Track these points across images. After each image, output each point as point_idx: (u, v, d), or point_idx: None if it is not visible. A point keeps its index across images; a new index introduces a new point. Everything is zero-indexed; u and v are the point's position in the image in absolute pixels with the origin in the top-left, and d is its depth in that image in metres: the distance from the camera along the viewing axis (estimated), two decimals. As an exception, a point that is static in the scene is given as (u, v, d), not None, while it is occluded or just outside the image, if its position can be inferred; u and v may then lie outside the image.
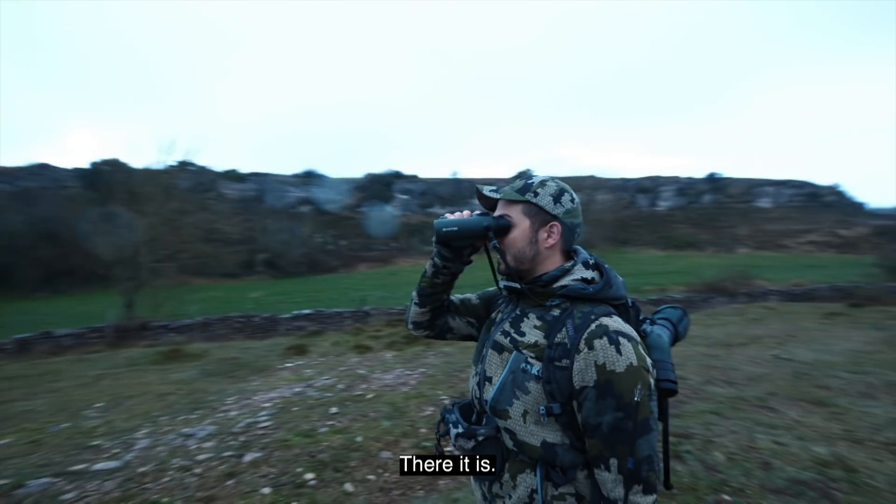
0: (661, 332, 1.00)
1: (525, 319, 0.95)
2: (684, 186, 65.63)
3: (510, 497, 0.90)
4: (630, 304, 0.97)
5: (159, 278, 15.38)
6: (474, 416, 1.00)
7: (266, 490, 2.59)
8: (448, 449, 1.05)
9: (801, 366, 5.93)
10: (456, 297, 1.19)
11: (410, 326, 1.18)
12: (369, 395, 5.13)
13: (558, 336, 0.86)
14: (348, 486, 2.82)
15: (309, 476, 2.84)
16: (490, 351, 0.98)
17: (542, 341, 0.88)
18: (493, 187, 1.01)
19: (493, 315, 1.09)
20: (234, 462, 2.94)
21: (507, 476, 0.90)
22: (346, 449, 3.36)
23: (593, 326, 0.84)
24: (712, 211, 60.32)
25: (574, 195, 0.97)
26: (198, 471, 2.76)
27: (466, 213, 1.02)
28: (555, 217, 0.94)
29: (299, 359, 8.23)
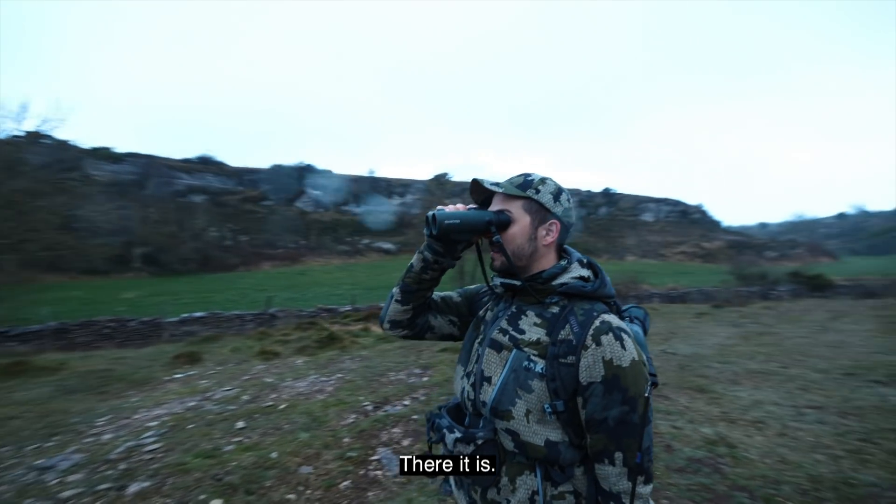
0: (638, 330, 1.02)
1: (523, 317, 0.92)
2: (584, 199, 72.29)
3: (509, 501, 0.86)
4: (615, 303, 0.97)
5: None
6: (467, 419, 0.94)
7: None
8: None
9: (684, 359, 6.77)
10: (437, 294, 1.12)
11: (387, 326, 1.08)
12: (282, 406, 4.69)
13: (562, 333, 0.85)
14: (264, 510, 2.49)
15: (215, 503, 2.45)
16: (487, 350, 0.93)
17: (545, 338, 0.86)
18: (494, 180, 0.96)
19: (482, 313, 1.05)
20: (115, 496, 2.43)
21: (505, 479, 0.86)
22: (259, 467, 3.00)
23: (598, 323, 0.83)
24: (607, 222, 67.32)
25: (570, 195, 0.97)
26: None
27: (461, 206, 0.97)
28: (554, 215, 0.93)
29: (191, 368, 7.28)
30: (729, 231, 75.63)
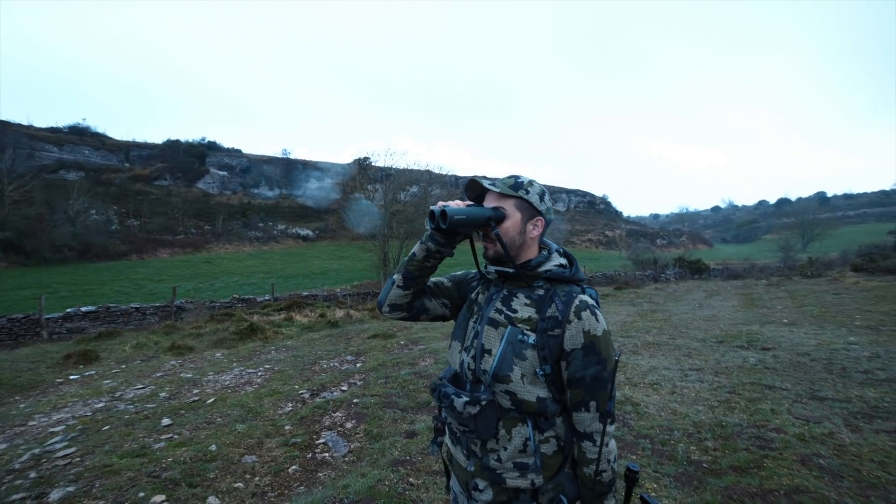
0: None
1: (515, 298, 1.09)
2: (500, 188, 75.54)
3: (505, 449, 1.04)
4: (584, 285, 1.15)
5: None
6: (468, 387, 1.09)
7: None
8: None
9: (591, 334, 7.60)
10: (430, 280, 1.24)
11: (386, 309, 1.20)
12: (210, 400, 4.46)
13: (549, 311, 1.03)
14: (213, 500, 2.44)
15: (158, 499, 2.34)
16: (486, 327, 1.09)
17: (535, 316, 1.04)
18: (490, 181, 1.12)
19: (474, 296, 1.21)
20: (36, 504, 2.20)
21: (502, 431, 1.04)
22: (199, 461, 2.88)
23: (577, 302, 1.02)
24: (521, 211, 70.80)
25: (549, 196, 1.15)
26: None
27: (459, 202, 1.10)
28: (540, 213, 1.09)
29: (88, 368, 6.51)
30: (628, 221, 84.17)
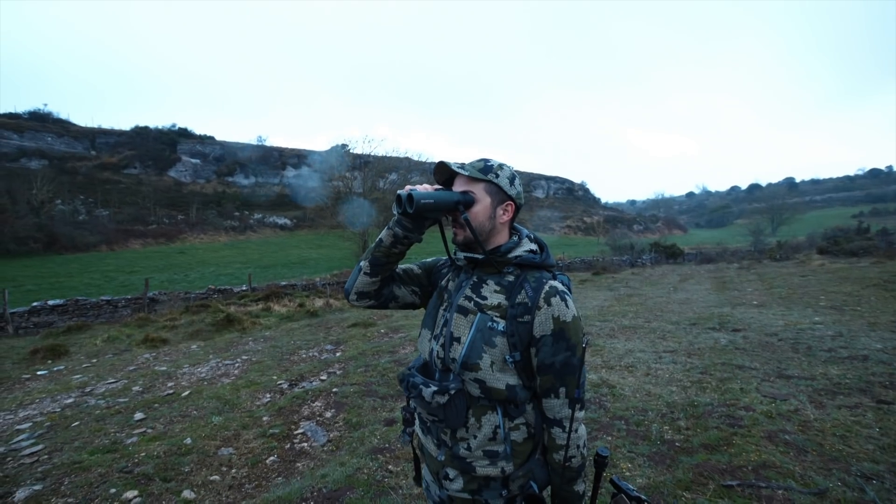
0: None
1: (484, 285, 1.06)
2: (483, 174, 75.42)
3: (475, 437, 1.02)
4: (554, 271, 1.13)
5: None
6: (437, 375, 1.08)
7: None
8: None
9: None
10: (399, 267, 1.22)
11: (353, 297, 1.17)
12: (185, 393, 4.37)
13: (519, 297, 1.01)
14: (188, 493, 2.40)
15: (130, 494, 2.29)
16: (455, 315, 1.06)
17: (504, 302, 1.02)
18: (459, 163, 1.08)
19: (444, 283, 1.17)
20: (0, 504, 2.12)
21: (472, 420, 1.02)
22: (174, 454, 2.83)
23: (547, 288, 1.00)
24: (501, 197, 70.95)
25: (520, 180, 1.10)
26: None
27: (427, 186, 1.06)
28: (510, 197, 1.06)
29: (56, 363, 6.29)
30: (606, 207, 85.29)
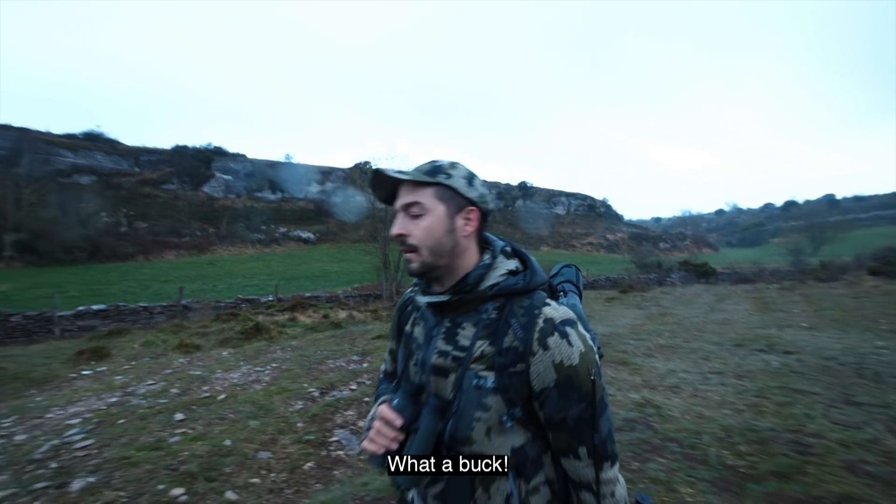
0: (574, 301, 0.99)
1: (460, 330, 0.83)
2: (502, 191, 74.94)
3: None
4: (547, 284, 0.91)
5: None
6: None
7: (120, 519, 2.00)
8: None
9: (603, 337, 7.50)
10: (389, 364, 1.05)
11: None
12: (220, 397, 4.42)
13: (506, 340, 0.79)
14: (231, 495, 2.39)
15: (177, 492, 2.30)
16: (432, 378, 0.84)
17: (489, 349, 0.79)
18: (398, 169, 0.86)
19: (409, 328, 0.94)
20: (56, 494, 2.18)
21: (480, 491, 0.80)
22: (215, 455, 2.84)
23: (541, 323, 0.78)
24: (523, 214, 70.63)
25: (483, 181, 0.89)
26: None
27: (386, 415, 0.82)
28: (471, 201, 0.83)
29: (100, 364, 6.51)
30: (629, 224, 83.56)
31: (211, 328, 10.11)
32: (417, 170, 0.85)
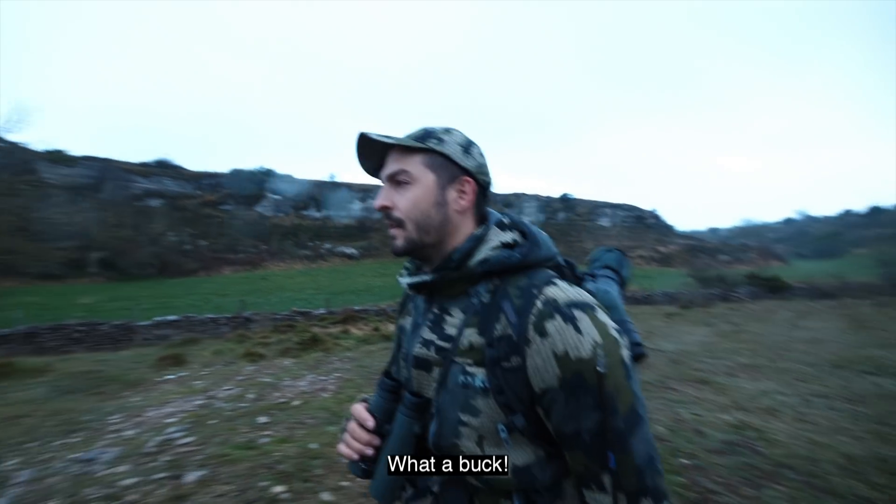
0: (607, 287, 0.80)
1: (447, 317, 0.70)
2: (543, 204, 73.75)
3: None
4: (564, 263, 0.76)
5: None
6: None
7: (236, 510, 2.07)
8: None
9: (672, 354, 7.08)
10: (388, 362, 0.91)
11: None
12: (295, 403, 4.55)
13: (497, 328, 0.64)
14: (326, 496, 2.42)
15: (279, 489, 2.36)
16: (414, 371, 0.72)
17: (478, 340, 0.65)
18: (384, 134, 0.72)
19: (401, 319, 0.83)
20: (175, 484, 2.30)
21: None
22: (305, 457, 2.90)
23: (539, 304, 0.63)
24: (565, 227, 69.09)
25: (483, 150, 0.76)
26: (131, 498, 2.09)
27: (360, 412, 0.73)
28: (466, 171, 0.72)
29: (180, 370, 6.91)
30: (682, 235, 79.15)
31: (271, 339, 10.55)
32: (407, 135, 0.74)
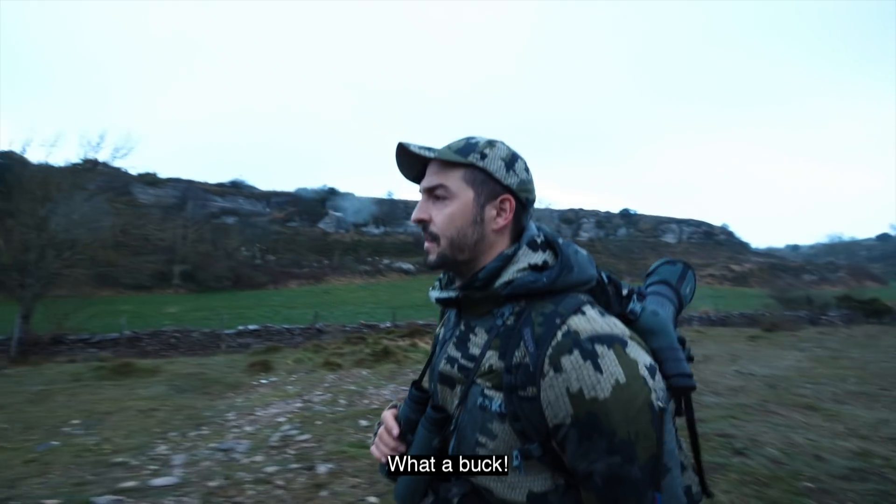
0: (656, 308, 0.74)
1: (472, 336, 0.70)
2: (602, 220, 71.18)
3: None
4: (607, 281, 0.72)
5: (62, 287, 13.30)
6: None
7: (373, 500, 2.27)
8: None
9: (766, 378, 6.60)
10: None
11: None
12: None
13: (516, 355, 0.62)
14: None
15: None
16: (438, 386, 0.73)
17: (498, 363, 0.64)
18: (424, 145, 0.72)
19: (438, 330, 0.84)
20: (311, 474, 2.56)
21: None
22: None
23: (560, 336, 0.60)
24: (626, 243, 66.18)
25: (528, 164, 0.73)
26: (279, 482, 2.35)
27: (390, 424, 0.75)
28: (507, 188, 0.69)
29: (269, 375, 7.46)
30: (758, 253, 72.89)
31: (344, 350, 11.05)
32: (448, 147, 0.71)
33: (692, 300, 0.85)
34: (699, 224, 74.55)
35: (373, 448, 0.75)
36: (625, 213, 74.22)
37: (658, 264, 0.89)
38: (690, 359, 0.69)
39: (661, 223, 73.23)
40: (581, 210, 71.62)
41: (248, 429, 3.68)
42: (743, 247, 72.23)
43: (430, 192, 0.71)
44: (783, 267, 58.53)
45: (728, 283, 53.89)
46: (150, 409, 4.32)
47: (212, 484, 2.38)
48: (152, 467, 2.66)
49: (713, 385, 6.11)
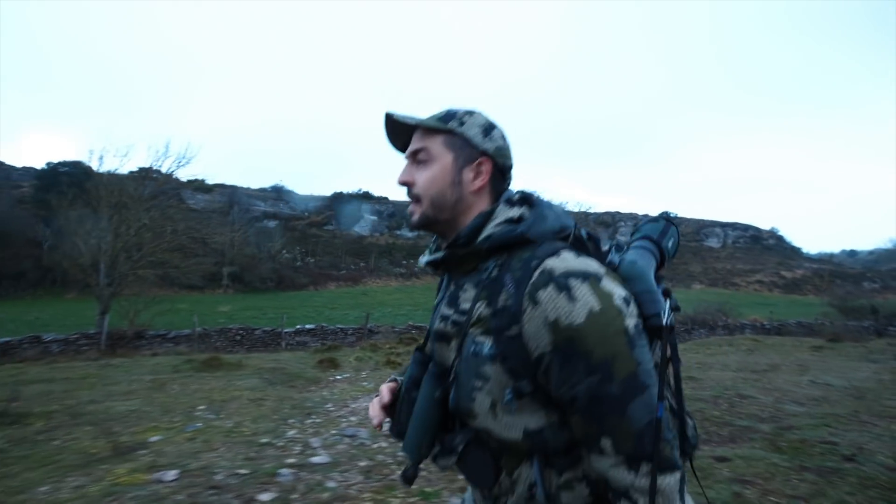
0: (634, 258, 0.77)
1: (462, 293, 0.76)
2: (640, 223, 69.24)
3: (512, 494, 0.71)
4: (587, 237, 0.76)
5: (132, 287, 14.54)
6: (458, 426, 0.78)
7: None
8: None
9: (846, 390, 6.35)
10: None
11: None
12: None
13: (500, 299, 0.68)
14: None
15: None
16: (436, 345, 0.79)
17: (486, 311, 0.69)
18: (408, 114, 0.79)
19: (436, 299, 0.89)
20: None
21: (503, 473, 0.71)
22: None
23: (536, 275, 0.65)
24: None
25: (505, 134, 0.80)
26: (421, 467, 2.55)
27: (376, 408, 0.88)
28: (484, 152, 0.76)
29: (340, 371, 7.81)
30: (811, 259, 68.57)
31: (399, 350, 11.38)
32: (431, 116, 0.78)
33: (675, 254, 0.90)
34: (746, 228, 71.00)
35: (370, 412, 0.87)
36: (664, 216, 71.66)
37: (641, 224, 0.93)
38: (676, 308, 0.71)
39: (703, 227, 70.27)
40: (618, 213, 69.84)
41: (352, 419, 3.95)
42: (794, 252, 68.15)
43: (413, 157, 0.78)
44: (841, 273, 54.85)
45: (778, 290, 51.06)
46: (258, 399, 4.67)
47: (361, 464, 2.61)
48: (297, 448, 2.94)
49: (791, 394, 5.95)
